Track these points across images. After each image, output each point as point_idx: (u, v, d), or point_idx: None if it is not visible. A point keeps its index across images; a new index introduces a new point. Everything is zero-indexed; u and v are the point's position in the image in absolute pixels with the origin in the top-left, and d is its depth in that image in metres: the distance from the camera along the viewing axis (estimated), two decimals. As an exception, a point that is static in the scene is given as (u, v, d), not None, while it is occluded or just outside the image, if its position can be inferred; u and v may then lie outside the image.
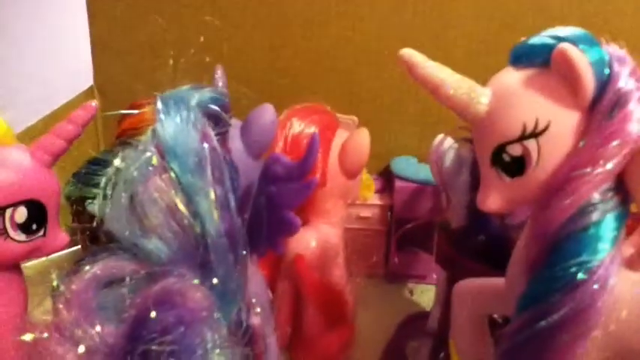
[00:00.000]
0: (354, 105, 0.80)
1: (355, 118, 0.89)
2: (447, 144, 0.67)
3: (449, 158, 0.66)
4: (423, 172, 0.86)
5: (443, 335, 0.62)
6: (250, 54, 0.92)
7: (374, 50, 0.92)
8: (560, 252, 0.39)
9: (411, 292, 0.88)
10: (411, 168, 0.88)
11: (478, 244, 0.60)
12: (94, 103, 0.50)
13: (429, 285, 0.87)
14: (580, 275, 0.38)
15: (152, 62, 0.88)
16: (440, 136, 0.68)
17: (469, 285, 0.53)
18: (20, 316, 0.52)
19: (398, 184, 0.86)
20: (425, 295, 0.86)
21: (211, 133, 0.42)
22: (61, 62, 0.97)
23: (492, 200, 0.42)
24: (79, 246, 0.61)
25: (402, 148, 0.93)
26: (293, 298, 0.68)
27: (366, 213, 0.87)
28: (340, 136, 0.70)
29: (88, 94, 0.97)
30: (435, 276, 0.87)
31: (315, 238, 0.65)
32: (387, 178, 0.92)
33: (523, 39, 0.41)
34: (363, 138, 0.66)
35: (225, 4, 0.93)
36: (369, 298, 0.83)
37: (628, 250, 0.42)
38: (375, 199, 0.88)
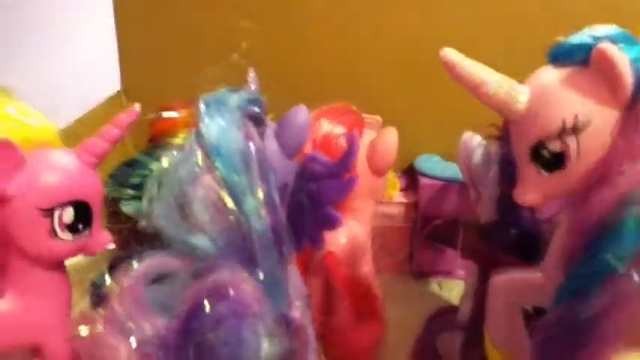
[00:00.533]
0: (378, 105, 0.81)
1: (379, 118, 0.90)
2: (475, 141, 0.68)
3: (477, 155, 0.67)
4: (448, 169, 0.87)
5: (474, 328, 0.63)
6: (276, 56, 0.93)
7: (398, 50, 0.93)
8: (598, 244, 0.40)
9: (440, 286, 0.89)
10: (435, 166, 0.89)
11: (509, 238, 0.61)
12: (137, 107, 0.52)
13: (455, 280, 0.88)
14: (619, 267, 0.39)
15: (179, 65, 0.90)
16: (468, 134, 0.69)
17: (505, 277, 0.54)
18: (67, 314, 0.53)
19: (422, 181, 0.87)
20: (451, 290, 0.87)
21: (254, 132, 0.44)
22: (89, 67, 1.00)
23: (531, 194, 0.43)
24: (114, 246, 0.62)
25: (426, 146, 0.94)
26: (323, 294, 0.69)
27: (391, 210, 0.88)
28: (367, 136, 0.71)
29: (115, 98, 0.98)
30: (459, 272, 0.88)
31: (345, 235, 0.67)
32: (411, 177, 0.93)
33: (561, 38, 0.42)
34: (391, 137, 0.67)
35: (252, 5, 0.94)
36: (396, 294, 0.84)
37: None
38: (399, 197, 0.89)
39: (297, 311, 0.48)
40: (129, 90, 1.00)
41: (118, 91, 0.99)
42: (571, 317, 0.41)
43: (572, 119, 0.39)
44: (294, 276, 0.50)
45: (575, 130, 0.39)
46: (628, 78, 0.38)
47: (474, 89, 0.43)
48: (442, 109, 0.93)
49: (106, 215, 0.69)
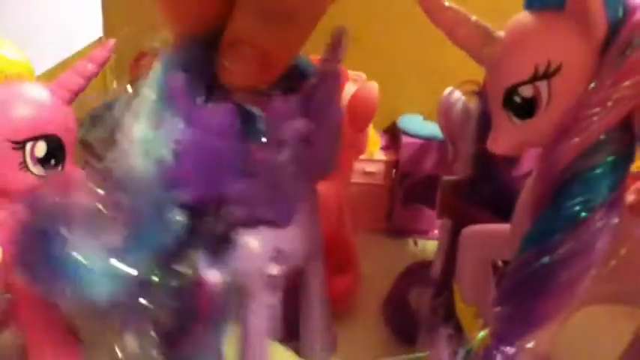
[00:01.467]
0: (361, 62, 0.81)
1: (363, 75, 0.90)
2: (454, 97, 0.68)
3: (456, 110, 0.67)
4: (429, 128, 0.87)
5: (444, 282, 0.64)
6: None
7: (383, 6, 0.92)
8: (565, 191, 0.40)
9: (415, 242, 0.90)
10: (417, 125, 0.89)
11: (484, 194, 0.61)
12: (113, 41, 0.51)
13: (432, 240, 0.89)
14: (583, 214, 0.39)
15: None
16: (448, 89, 0.69)
17: (476, 230, 0.54)
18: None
19: (404, 139, 0.87)
20: (428, 249, 0.88)
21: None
22: (71, 12, 0.98)
23: (502, 142, 0.43)
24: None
25: (409, 106, 0.94)
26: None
27: (371, 168, 0.89)
28: (348, 90, 0.70)
29: (97, 44, 0.97)
30: (436, 232, 0.88)
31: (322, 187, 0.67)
32: (393, 135, 0.93)
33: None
34: (372, 90, 0.67)
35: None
36: (373, 251, 0.86)
37: (630, 196, 0.43)
38: (380, 155, 0.89)
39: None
40: (111, 36, 0.98)
41: (100, 37, 0.97)
42: (533, 264, 0.41)
43: (544, 64, 0.39)
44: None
45: (547, 75, 0.39)
46: (601, 19, 0.38)
47: (449, 32, 0.42)
48: (427, 69, 0.93)
49: (83, 156, 0.69)
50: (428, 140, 0.86)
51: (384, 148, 0.91)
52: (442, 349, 0.45)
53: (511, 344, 0.44)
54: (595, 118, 0.38)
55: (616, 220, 0.40)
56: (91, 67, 0.50)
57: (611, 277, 0.41)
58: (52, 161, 0.50)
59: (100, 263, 0.34)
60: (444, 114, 0.68)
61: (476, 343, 0.44)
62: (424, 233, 0.91)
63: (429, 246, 0.88)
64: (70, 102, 0.51)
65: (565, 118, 0.40)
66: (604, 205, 0.39)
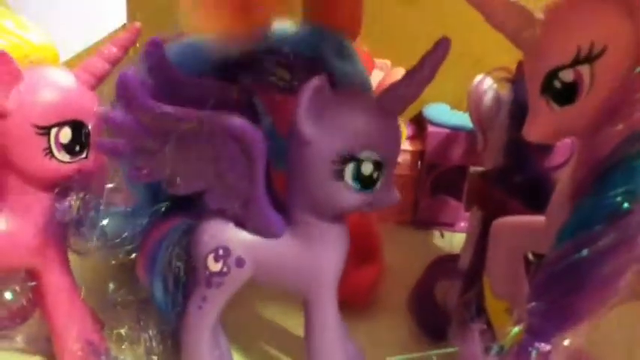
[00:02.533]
0: (387, 49, 0.79)
1: (389, 62, 0.89)
2: (486, 84, 0.66)
3: (488, 98, 0.65)
4: (456, 118, 0.85)
5: (473, 275, 0.63)
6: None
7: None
8: (606, 180, 0.38)
9: (442, 234, 0.88)
10: (443, 114, 0.87)
11: (516, 184, 0.60)
12: (138, 24, 0.51)
13: (459, 232, 0.87)
14: (626, 205, 0.37)
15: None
16: (479, 77, 0.67)
17: (508, 222, 0.52)
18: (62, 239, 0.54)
19: (430, 129, 0.85)
20: (454, 241, 0.86)
21: None
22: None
23: (539, 129, 0.41)
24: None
25: (436, 94, 0.92)
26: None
27: (396, 158, 0.87)
28: (375, 77, 0.69)
29: (120, 31, 0.96)
30: (462, 224, 0.87)
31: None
32: (419, 125, 0.91)
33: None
34: (398, 77, 0.65)
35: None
36: (398, 242, 0.84)
37: None
38: (406, 145, 0.87)
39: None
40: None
41: (124, 24, 0.97)
42: (573, 255, 0.39)
43: (587, 46, 0.37)
44: None
45: (590, 58, 0.37)
46: None
47: (488, 15, 0.41)
48: (454, 56, 0.90)
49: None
50: (455, 130, 0.84)
51: (410, 138, 0.89)
52: (474, 345, 0.43)
53: (547, 341, 0.42)
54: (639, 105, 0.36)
55: None
56: (115, 52, 0.50)
57: None
58: (77, 147, 0.49)
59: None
60: (475, 103, 0.66)
61: (509, 339, 0.42)
62: (450, 225, 0.89)
63: (455, 238, 0.86)
64: (94, 87, 0.50)
65: (608, 104, 0.38)
66: None
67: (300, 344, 0.55)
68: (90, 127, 0.50)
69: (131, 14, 0.98)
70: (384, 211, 0.80)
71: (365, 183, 0.46)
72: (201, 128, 0.46)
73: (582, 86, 0.38)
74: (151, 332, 0.57)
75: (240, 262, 0.50)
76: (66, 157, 0.49)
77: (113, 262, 0.56)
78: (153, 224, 0.53)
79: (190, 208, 0.52)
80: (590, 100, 0.38)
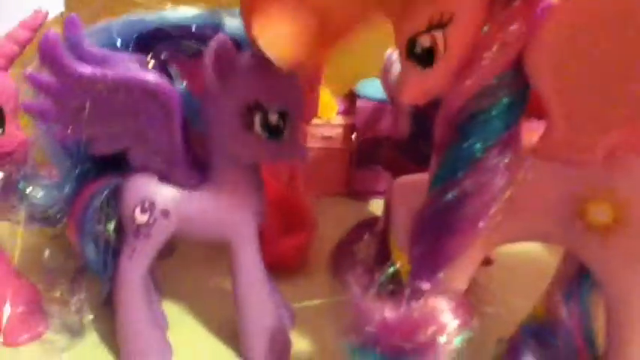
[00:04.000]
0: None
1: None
2: (394, 56, 0.69)
3: (396, 69, 0.68)
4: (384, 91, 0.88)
5: (386, 235, 0.67)
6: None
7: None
8: (464, 132, 0.43)
9: (376, 205, 0.92)
10: (374, 88, 0.90)
11: (421, 150, 0.63)
12: (45, 10, 0.53)
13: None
14: (479, 153, 0.42)
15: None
16: (389, 50, 0.71)
17: (406, 180, 0.56)
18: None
19: (359, 103, 0.89)
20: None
21: None
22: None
23: (410, 91, 0.45)
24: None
25: (368, 71, 0.95)
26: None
27: (329, 132, 0.91)
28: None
29: (58, 20, 0.98)
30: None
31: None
32: (351, 100, 0.94)
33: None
34: None
35: None
36: (334, 213, 0.88)
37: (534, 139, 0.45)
38: (338, 120, 0.91)
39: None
40: (71, 11, 0.99)
41: (62, 13, 0.98)
42: (439, 202, 0.44)
43: (437, 15, 0.41)
44: None
45: (441, 24, 0.41)
46: None
47: None
48: (385, 34, 0.93)
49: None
50: (382, 103, 0.87)
51: (343, 113, 0.93)
52: (355, 288, 0.47)
53: (425, 281, 0.46)
54: (485, 62, 0.40)
55: (510, 158, 0.42)
56: (23, 33, 0.52)
57: (507, 214, 0.44)
58: (-8, 124, 0.52)
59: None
60: (385, 73, 0.70)
61: (384, 278, 0.47)
62: (383, 194, 0.93)
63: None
64: (6, 68, 0.53)
65: (463, 65, 0.42)
66: (498, 144, 0.42)
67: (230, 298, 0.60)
68: (4, 106, 0.52)
69: (68, 2, 0.99)
70: (320, 184, 0.84)
71: (272, 131, 0.51)
72: (117, 87, 0.49)
73: (438, 49, 0.42)
74: (83, 295, 0.61)
75: (165, 213, 0.54)
76: (-18, 134, 0.52)
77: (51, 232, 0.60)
78: (80, 188, 0.57)
79: (114, 170, 0.56)
80: (447, 62, 0.42)
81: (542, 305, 0.54)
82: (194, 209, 0.55)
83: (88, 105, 0.50)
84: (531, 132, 0.45)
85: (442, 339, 0.43)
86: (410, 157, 0.66)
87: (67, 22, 0.50)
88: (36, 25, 0.53)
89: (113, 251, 0.57)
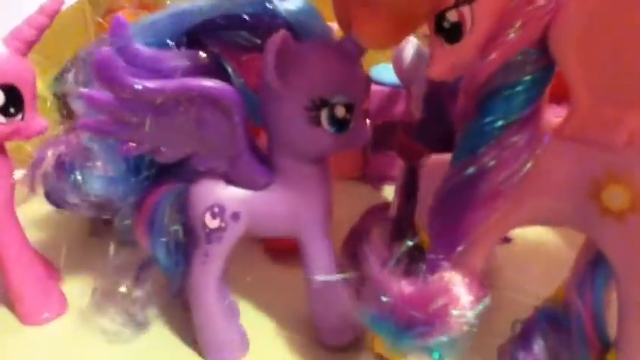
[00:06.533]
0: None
1: (336, 26, 0.91)
2: (408, 39, 0.69)
3: (409, 54, 0.68)
4: (398, 76, 0.88)
5: (400, 220, 0.67)
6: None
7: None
8: (485, 107, 0.43)
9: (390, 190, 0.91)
10: (387, 74, 0.90)
11: (435, 135, 0.63)
12: None
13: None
14: (500, 129, 0.42)
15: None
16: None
17: (436, 160, 0.56)
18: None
19: (373, 88, 0.89)
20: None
21: None
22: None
23: (438, 67, 0.46)
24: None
25: (381, 57, 0.95)
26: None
27: (343, 117, 0.91)
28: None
29: (80, 5, 0.99)
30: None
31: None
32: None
33: None
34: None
35: None
36: (350, 198, 0.88)
37: (558, 120, 0.45)
38: (352, 104, 0.91)
39: None
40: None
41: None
42: (460, 174, 0.44)
43: None
44: None
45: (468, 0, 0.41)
46: None
47: None
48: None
49: (59, 109, 0.72)
50: (396, 87, 0.87)
51: (357, 98, 0.92)
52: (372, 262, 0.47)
53: (443, 256, 0.47)
54: (510, 37, 0.40)
55: (530, 136, 0.42)
56: (41, 18, 0.53)
57: (525, 194, 0.44)
58: (12, 109, 0.53)
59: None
60: (398, 58, 0.70)
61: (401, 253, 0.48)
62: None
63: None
64: (25, 53, 0.54)
65: (486, 39, 0.42)
66: (520, 121, 0.42)
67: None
68: (23, 91, 0.53)
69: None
70: (334, 168, 0.84)
71: (340, 125, 0.50)
72: (178, 98, 0.48)
73: (465, 25, 0.42)
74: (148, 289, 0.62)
75: (235, 217, 0.54)
76: (1, 119, 0.53)
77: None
78: (147, 190, 0.57)
79: (181, 171, 0.55)
80: (474, 37, 0.43)
81: (562, 291, 0.55)
82: (263, 209, 0.54)
83: (149, 120, 0.49)
84: (551, 115, 0.46)
85: (455, 312, 0.44)
86: (423, 141, 0.65)
87: (114, 23, 0.49)
88: (54, 10, 0.54)
89: (183, 252, 0.58)
